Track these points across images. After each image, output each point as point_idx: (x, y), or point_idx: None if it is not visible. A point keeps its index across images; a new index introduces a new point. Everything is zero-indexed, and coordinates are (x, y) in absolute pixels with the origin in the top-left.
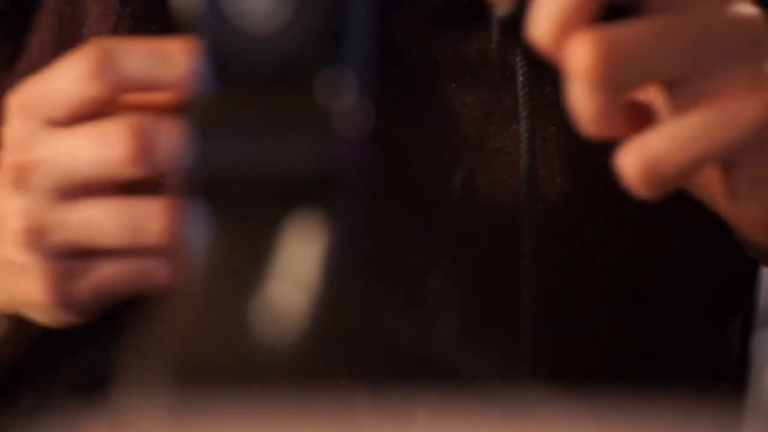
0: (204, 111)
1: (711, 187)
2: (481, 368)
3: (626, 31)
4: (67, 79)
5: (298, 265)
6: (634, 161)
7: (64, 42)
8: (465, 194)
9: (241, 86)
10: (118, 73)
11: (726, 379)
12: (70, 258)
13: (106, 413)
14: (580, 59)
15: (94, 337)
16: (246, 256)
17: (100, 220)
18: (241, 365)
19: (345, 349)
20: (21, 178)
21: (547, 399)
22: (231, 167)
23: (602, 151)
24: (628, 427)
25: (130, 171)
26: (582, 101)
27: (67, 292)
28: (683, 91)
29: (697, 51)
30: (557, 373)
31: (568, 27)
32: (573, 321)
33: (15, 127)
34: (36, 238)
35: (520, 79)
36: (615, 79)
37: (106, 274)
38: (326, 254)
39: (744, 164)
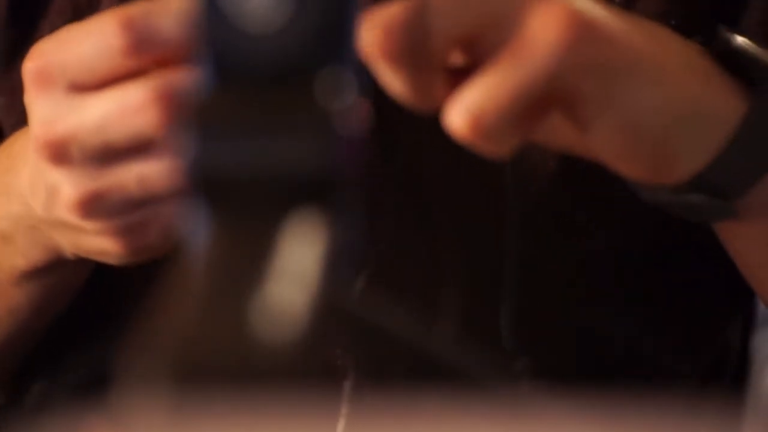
0: (204, 111)
1: (577, 144)
2: (478, 367)
3: (401, 6)
4: (94, 46)
5: (298, 265)
6: (459, 119)
7: None
8: (461, 182)
9: (241, 86)
10: (147, 39)
11: (726, 379)
12: (133, 210)
13: (106, 413)
14: (369, 43)
15: (94, 337)
16: (246, 256)
17: (155, 173)
18: (241, 365)
19: (345, 348)
20: (60, 153)
21: (545, 398)
22: (231, 167)
23: None
24: (628, 426)
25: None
26: (391, 84)
27: (139, 240)
28: (485, 44)
29: (476, 4)
30: (554, 373)
31: None
32: (567, 320)
33: (37, 98)
34: (92, 205)
35: None
36: (405, 54)
37: (172, 213)
38: (326, 254)
39: (577, 97)
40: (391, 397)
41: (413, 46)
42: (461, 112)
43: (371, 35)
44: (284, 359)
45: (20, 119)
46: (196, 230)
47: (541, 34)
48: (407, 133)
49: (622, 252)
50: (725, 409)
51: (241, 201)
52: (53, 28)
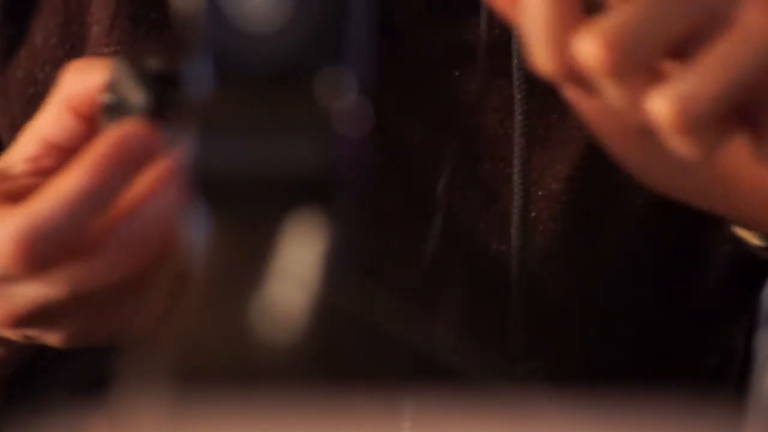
0: (204, 111)
1: (739, 160)
2: (479, 367)
3: (619, 16)
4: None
5: (298, 265)
6: (665, 105)
7: (69, 29)
8: (464, 184)
9: (241, 86)
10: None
11: (730, 380)
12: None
13: (107, 413)
14: (591, 57)
15: None
16: (246, 256)
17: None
18: (241, 365)
19: (345, 349)
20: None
21: (547, 398)
22: (231, 167)
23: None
24: (629, 426)
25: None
26: (613, 96)
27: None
28: (697, 39)
29: (690, 7)
30: (559, 374)
31: (563, 31)
32: (573, 322)
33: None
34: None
35: (515, 62)
36: (628, 64)
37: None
38: (326, 254)
39: None
40: (401, 398)
41: (634, 56)
42: (669, 99)
43: (593, 50)
44: (284, 359)
45: (15, 120)
46: (196, 230)
47: (759, 24)
48: (408, 132)
49: (627, 254)
50: (726, 409)
51: (241, 201)
52: (45, 27)
